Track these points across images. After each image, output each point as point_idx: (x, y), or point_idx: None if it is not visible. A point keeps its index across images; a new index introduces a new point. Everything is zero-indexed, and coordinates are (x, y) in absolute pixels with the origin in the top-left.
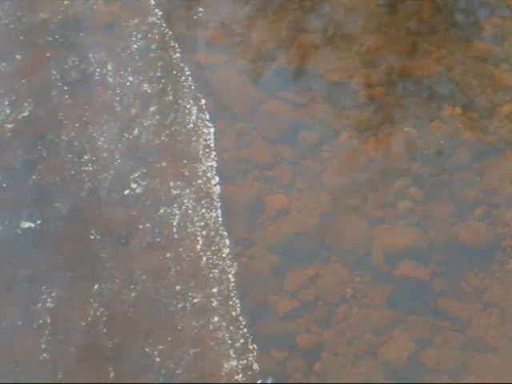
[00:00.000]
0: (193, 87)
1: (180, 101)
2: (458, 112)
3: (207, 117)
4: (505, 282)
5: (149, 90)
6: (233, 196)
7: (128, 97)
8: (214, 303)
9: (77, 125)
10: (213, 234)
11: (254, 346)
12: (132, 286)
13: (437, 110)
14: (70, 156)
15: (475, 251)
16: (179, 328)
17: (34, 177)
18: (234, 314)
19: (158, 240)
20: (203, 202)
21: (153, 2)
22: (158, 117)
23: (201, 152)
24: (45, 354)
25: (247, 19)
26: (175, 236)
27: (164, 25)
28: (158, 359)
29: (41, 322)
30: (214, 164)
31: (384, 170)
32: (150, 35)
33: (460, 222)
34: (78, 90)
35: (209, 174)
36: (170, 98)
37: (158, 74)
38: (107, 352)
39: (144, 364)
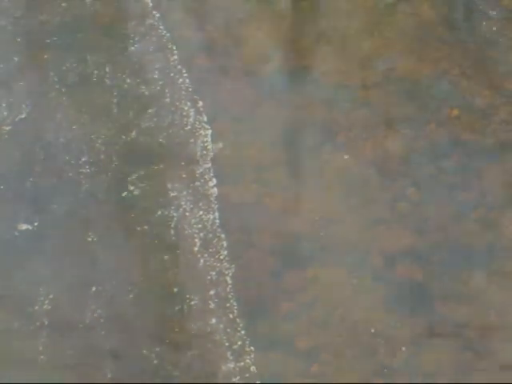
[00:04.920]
0: (190, 89)
1: (177, 103)
2: (455, 114)
3: (205, 119)
4: (503, 283)
5: (146, 92)
6: (231, 198)
7: (125, 99)
8: (212, 305)
9: (74, 127)
10: (210, 236)
11: (252, 348)
12: (129, 288)
13: (434, 111)
14: (67, 158)
15: (473, 253)
16: (176, 330)
17: (31, 179)
18: (231, 316)
19: (155, 242)
20: (201, 204)
21: (150, 4)
22: (155, 119)
23: (198, 154)
24: (42, 356)
25: (245, 21)
26: (173, 238)
27: (161, 27)
28: (155, 361)
29: (38, 324)
30: (212, 166)
31: (382, 171)
32: (147, 37)
33: (458, 224)
34: (75, 92)
35: (206, 176)
36: (168, 100)
37: (156, 76)
38: (104, 354)
39: (141, 366)
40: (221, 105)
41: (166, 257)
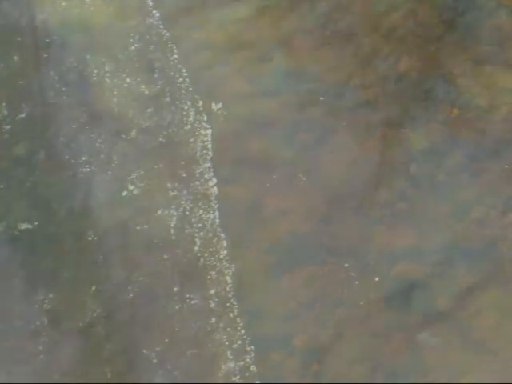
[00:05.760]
0: (190, 88)
1: (177, 102)
2: (455, 113)
3: (205, 118)
4: (503, 283)
5: (146, 92)
6: (230, 197)
7: (125, 98)
8: (212, 304)
9: (74, 126)
10: (210, 235)
11: (252, 347)
12: (129, 288)
13: (434, 110)
14: (67, 157)
15: (473, 252)
16: (176, 329)
17: (31, 178)
18: (231, 315)
19: (155, 241)
20: (201, 203)
21: (150, 4)
22: (155, 118)
23: (198, 153)
24: (42, 356)
25: (245, 20)
26: (173, 237)
27: (161, 26)
28: (155, 360)
29: (38, 323)
30: (212, 165)
31: (381, 170)
32: (147, 36)
33: (458, 223)
34: (75, 92)
35: (206, 176)
36: (168, 99)
37: (156, 76)
38: (104, 353)
39: (141, 365)
40: (221, 104)
41: (165, 256)
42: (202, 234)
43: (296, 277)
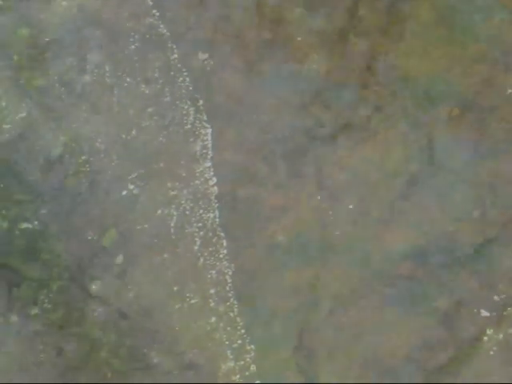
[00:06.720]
0: (190, 88)
1: (177, 101)
2: (455, 113)
3: (205, 117)
4: (503, 282)
5: (146, 91)
6: (230, 196)
7: (125, 98)
8: (212, 304)
9: (74, 125)
10: (210, 234)
11: (252, 346)
12: (129, 287)
13: (434, 110)
14: (67, 157)
15: (473, 251)
16: (177, 329)
17: (31, 177)
18: (231, 314)
19: (155, 241)
20: (201, 202)
21: (150, 3)
22: (155, 117)
23: (198, 153)
24: (42, 355)
25: (245, 19)
26: (173, 237)
27: (161, 26)
28: (155, 360)
29: (39, 322)
30: (212, 165)
31: (382, 170)
32: (147, 36)
33: (458, 223)
34: (75, 91)
35: (206, 175)
36: (168, 98)
37: (156, 75)
38: (104, 352)
39: (141, 365)
40: (221, 104)
41: (165, 255)
42: (202, 233)
43: (296, 276)
